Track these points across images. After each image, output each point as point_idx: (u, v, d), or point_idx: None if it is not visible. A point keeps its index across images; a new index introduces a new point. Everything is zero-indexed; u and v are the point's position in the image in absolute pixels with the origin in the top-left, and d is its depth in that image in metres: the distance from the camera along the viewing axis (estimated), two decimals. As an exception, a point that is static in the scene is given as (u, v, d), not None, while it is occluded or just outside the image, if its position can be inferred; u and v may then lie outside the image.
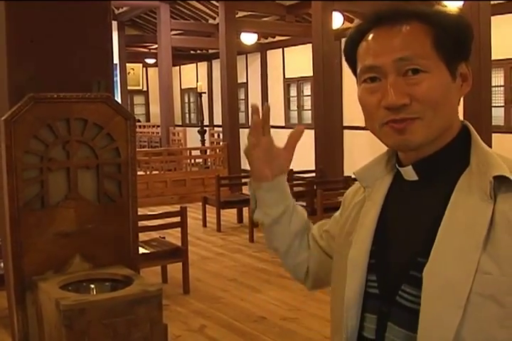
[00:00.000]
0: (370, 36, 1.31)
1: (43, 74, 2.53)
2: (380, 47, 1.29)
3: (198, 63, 19.71)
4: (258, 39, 14.91)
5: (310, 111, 15.29)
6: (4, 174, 2.34)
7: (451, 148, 1.31)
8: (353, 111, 13.94)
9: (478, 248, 1.16)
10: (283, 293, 6.31)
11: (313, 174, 10.68)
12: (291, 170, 10.79)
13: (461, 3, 8.96)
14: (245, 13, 13.84)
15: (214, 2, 14.37)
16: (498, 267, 1.15)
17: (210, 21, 15.94)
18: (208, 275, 7.21)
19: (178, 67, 19.51)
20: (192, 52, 19.48)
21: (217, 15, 14.06)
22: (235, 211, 10.33)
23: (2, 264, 3.47)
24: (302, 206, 6.66)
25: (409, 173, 1.34)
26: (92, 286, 2.43)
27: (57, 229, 2.46)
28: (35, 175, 2.43)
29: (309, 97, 15.32)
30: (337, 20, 11.33)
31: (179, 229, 6.60)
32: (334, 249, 1.52)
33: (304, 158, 13.73)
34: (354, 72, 1.37)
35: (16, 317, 2.39)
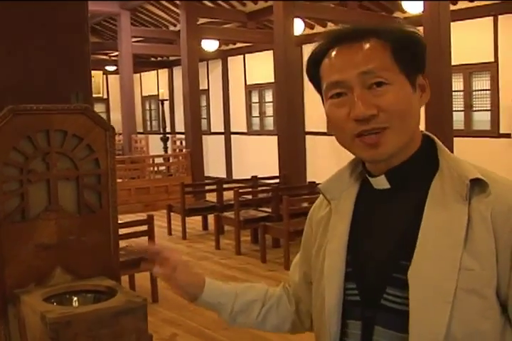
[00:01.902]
0: (333, 54, 1.38)
1: (20, 85, 2.52)
2: (344, 63, 1.35)
3: (159, 70, 19.67)
4: (219, 46, 14.92)
5: (272, 118, 15.35)
6: (-16, 187, 2.33)
7: (419, 156, 1.38)
8: (314, 117, 14.03)
9: (459, 246, 1.25)
10: (252, 300, 6.32)
11: (277, 180, 10.71)
12: (256, 176, 10.83)
13: (421, 9, 9.08)
14: (206, 20, 13.85)
15: (175, 9, 14.36)
16: (478, 262, 1.24)
17: (171, 28, 15.92)
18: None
19: (138, 75, 19.43)
20: (153, 59, 19.43)
21: (178, 22, 14.05)
22: (200, 218, 10.33)
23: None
24: (267, 212, 6.65)
25: (381, 182, 1.40)
26: (76, 298, 2.41)
27: (38, 241, 2.44)
28: (15, 188, 2.40)
29: (271, 104, 15.38)
30: (298, 26, 11.39)
31: (146, 237, 6.58)
32: (312, 264, 1.55)
33: (267, 164, 13.82)
34: (318, 90, 1.45)
35: (-3, 331, 2.37)
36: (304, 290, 1.64)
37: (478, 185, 1.28)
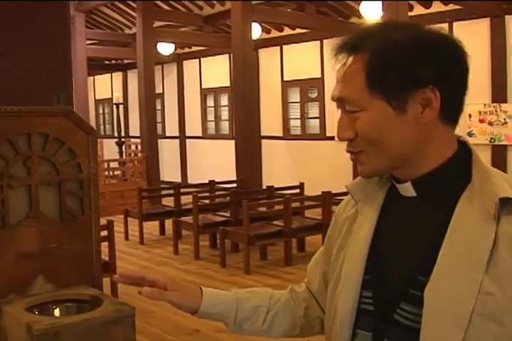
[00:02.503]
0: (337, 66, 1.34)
1: (1, 87, 2.43)
2: (336, 80, 1.33)
3: (113, 73, 19.45)
4: (175, 49, 14.83)
5: (227, 122, 15.31)
6: (-37, 192, 2.22)
7: (451, 165, 1.31)
8: (269, 121, 14.05)
9: (480, 268, 1.17)
10: (215, 306, 6.26)
11: (234, 184, 10.67)
12: (213, 180, 10.78)
13: (379, 14, 9.15)
14: (162, 23, 13.74)
15: (131, 12, 14.22)
16: (499, 288, 1.16)
17: (127, 31, 15.76)
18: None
19: (92, 78, 19.19)
20: (107, 62, 19.21)
21: (134, 25, 13.91)
22: (157, 223, 10.22)
23: None
24: (226, 217, 6.60)
25: (408, 189, 1.35)
26: (59, 308, 2.33)
27: (19, 249, 2.34)
28: (-5, 194, 2.32)
29: (226, 108, 15.34)
30: (255, 31, 11.38)
31: (106, 243, 6.47)
32: (331, 265, 1.50)
33: (223, 169, 13.78)
34: None
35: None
36: (323, 291, 1.57)
37: (509, 205, 1.20)
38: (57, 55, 2.53)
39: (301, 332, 1.65)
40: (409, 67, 1.24)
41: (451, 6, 10.73)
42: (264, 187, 10.94)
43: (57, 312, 2.33)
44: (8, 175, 2.34)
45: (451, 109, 1.31)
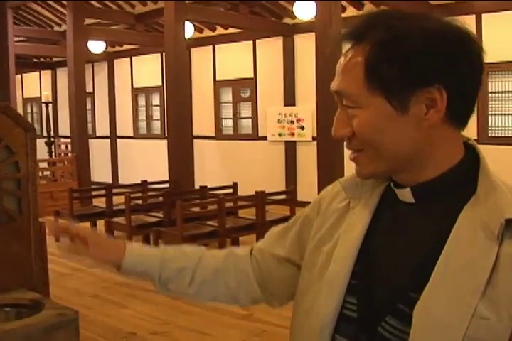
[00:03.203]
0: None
1: None
2: (336, 73, 1.23)
3: (42, 71, 19.02)
4: (106, 48, 14.60)
5: (159, 121, 15.17)
6: None
7: (455, 172, 1.21)
8: (201, 121, 13.98)
9: (477, 291, 1.08)
10: (149, 307, 6.19)
11: (166, 185, 10.57)
12: (146, 181, 10.66)
13: (313, 15, 9.17)
14: (93, 21, 13.50)
15: (61, 9, 13.93)
16: (495, 312, 1.07)
17: (56, 28, 15.43)
18: (69, 292, 6.91)
19: (19, 76, 18.73)
20: (35, 60, 18.77)
21: (64, 22, 13.63)
22: (88, 224, 10.03)
23: None
24: (159, 218, 6.54)
25: (406, 195, 1.24)
26: (-4, 313, 2.22)
27: (-47, 251, 2.23)
28: None
29: (158, 107, 15.21)
30: (188, 30, 11.30)
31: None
32: (306, 253, 1.40)
33: (154, 169, 13.64)
34: None
35: None
36: (279, 268, 1.51)
37: None
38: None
39: (234, 302, 1.58)
40: (414, 63, 1.13)
41: (382, 8, 10.84)
42: (196, 187, 10.86)
43: (-6, 317, 2.23)
44: None
45: (460, 111, 1.20)
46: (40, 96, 16.12)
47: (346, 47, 1.23)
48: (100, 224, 9.44)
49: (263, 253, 1.55)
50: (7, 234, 2.37)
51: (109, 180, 16.15)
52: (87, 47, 13.26)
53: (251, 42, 12.94)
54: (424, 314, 1.10)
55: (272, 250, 1.53)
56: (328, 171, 8.65)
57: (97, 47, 13.94)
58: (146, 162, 15.08)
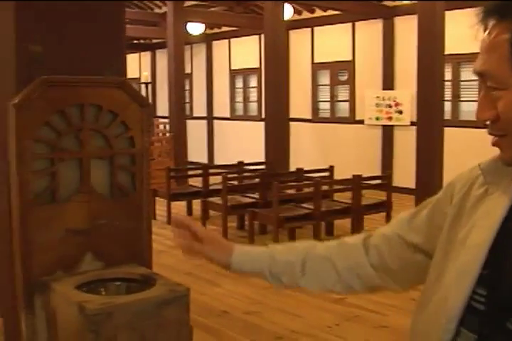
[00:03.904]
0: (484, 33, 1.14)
1: (51, 56, 2.32)
2: (480, 52, 1.14)
3: (141, 53, 19.32)
4: (204, 29, 14.68)
5: (255, 103, 15.17)
6: (13, 165, 2.10)
7: None
8: (298, 103, 13.91)
9: None
10: (242, 287, 6.20)
11: (261, 166, 10.57)
12: (242, 162, 10.69)
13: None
14: (192, 3, 13.58)
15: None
16: None
17: (156, 10, 15.62)
18: (164, 269, 6.95)
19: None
20: (135, 41, 19.08)
21: (164, 4, 13.77)
22: (184, 203, 10.14)
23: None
24: (254, 199, 6.50)
25: None
26: (108, 287, 2.23)
27: (68, 225, 2.25)
28: (45, 166, 2.21)
29: (255, 89, 15.20)
30: (287, 12, 11.23)
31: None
32: (439, 242, 1.32)
33: (250, 150, 13.67)
34: None
35: (23, 322, 2.15)
36: (408, 254, 1.45)
37: None
38: (109, 22, 2.42)
39: (349, 290, 1.56)
40: None
41: None
42: (291, 169, 10.82)
43: (106, 291, 2.24)
44: (60, 148, 2.23)
45: None
46: (140, 77, 16.34)
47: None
48: (195, 203, 9.52)
49: (389, 240, 1.49)
50: (120, 209, 2.39)
51: (205, 161, 16.30)
52: (186, 29, 13.35)
53: (350, 24, 12.75)
54: None
55: (403, 235, 1.47)
56: (427, 157, 8.49)
57: (195, 28, 14.02)
58: (242, 143, 15.12)
